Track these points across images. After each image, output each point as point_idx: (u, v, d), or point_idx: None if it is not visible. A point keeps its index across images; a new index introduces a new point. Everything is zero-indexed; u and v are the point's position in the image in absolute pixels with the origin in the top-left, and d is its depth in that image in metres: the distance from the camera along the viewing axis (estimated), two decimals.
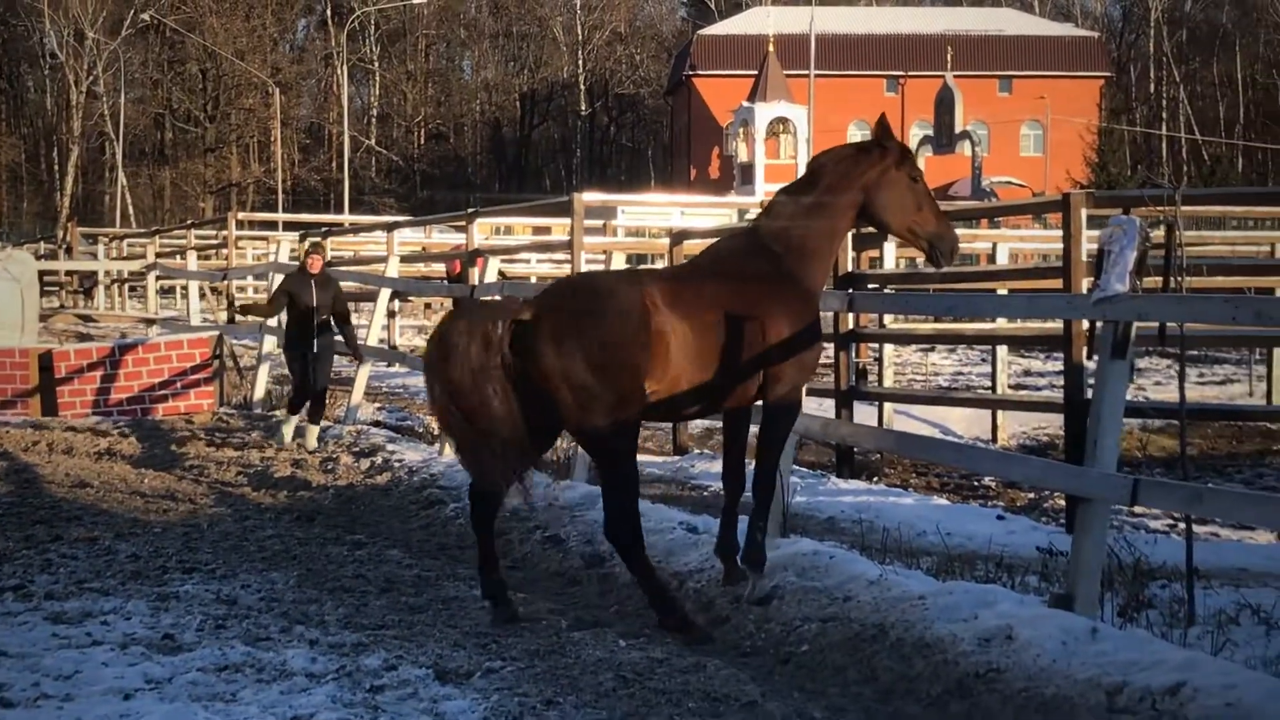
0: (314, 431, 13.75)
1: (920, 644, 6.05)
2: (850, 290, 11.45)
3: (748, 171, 68.50)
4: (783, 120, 69.11)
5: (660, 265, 15.91)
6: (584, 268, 14.74)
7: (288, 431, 13.92)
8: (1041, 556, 8.30)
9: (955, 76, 67.60)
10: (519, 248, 23.12)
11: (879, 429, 12.81)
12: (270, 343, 17.36)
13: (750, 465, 7.33)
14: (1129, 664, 5.37)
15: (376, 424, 15.95)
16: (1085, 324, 8.02)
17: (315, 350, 13.94)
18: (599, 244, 18.90)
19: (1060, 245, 11.65)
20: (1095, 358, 6.46)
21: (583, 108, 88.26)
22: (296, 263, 16.14)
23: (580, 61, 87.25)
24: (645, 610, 6.95)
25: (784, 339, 6.99)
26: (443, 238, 29.01)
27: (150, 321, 23.86)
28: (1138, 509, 9.99)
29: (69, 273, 35.28)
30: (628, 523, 6.68)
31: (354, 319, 15.11)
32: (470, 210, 18.81)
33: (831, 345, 13.20)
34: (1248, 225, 24.31)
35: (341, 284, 14.77)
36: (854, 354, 13.71)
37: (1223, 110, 79.73)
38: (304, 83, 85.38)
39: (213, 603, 7.17)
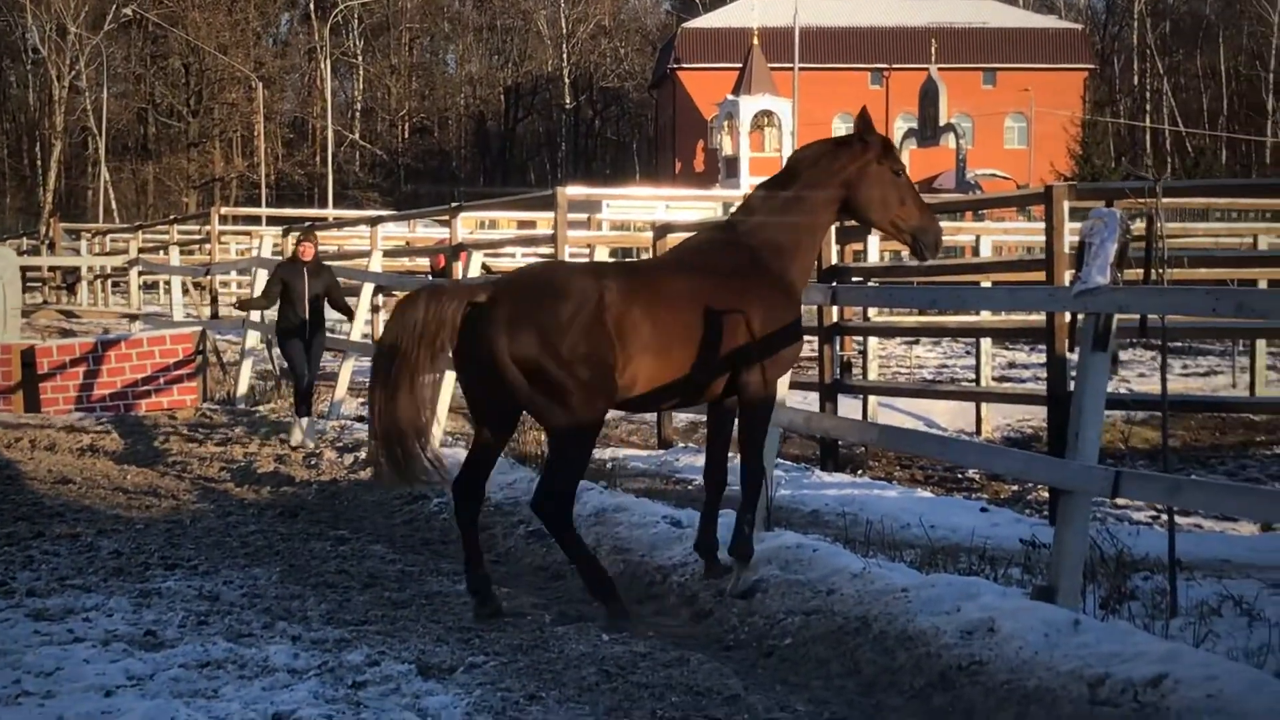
0: (301, 425, 13.64)
1: (903, 637, 6.06)
2: (834, 283, 11.44)
3: (732, 165, 68.44)
4: (767, 113, 69.05)
5: (645, 258, 15.89)
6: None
7: (297, 433, 13.58)
8: (1024, 549, 8.29)
9: (940, 69, 67.56)
10: (503, 242, 23.13)
11: (863, 422, 12.82)
12: (253, 338, 17.29)
13: (734, 460, 7.33)
14: (1111, 656, 5.38)
15: (360, 419, 15.87)
16: (1067, 316, 8.04)
17: (308, 340, 13.85)
18: (583, 238, 18.88)
19: (1044, 238, 11.66)
20: (1077, 350, 6.47)
21: (567, 101, 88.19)
22: (280, 257, 16.05)
23: (565, 55, 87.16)
24: (631, 605, 6.96)
25: (754, 333, 6.98)
26: (427, 232, 28.97)
27: (133, 317, 23.75)
28: (1121, 501, 10.00)
29: (52, 268, 35.12)
30: (554, 503, 6.73)
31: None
32: (454, 204, 18.81)
33: (816, 338, 13.20)
34: (1231, 217, 24.39)
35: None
36: (838, 347, 13.71)
37: (1206, 102, 79.97)
38: (287, 77, 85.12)
39: (195, 599, 7.16)
